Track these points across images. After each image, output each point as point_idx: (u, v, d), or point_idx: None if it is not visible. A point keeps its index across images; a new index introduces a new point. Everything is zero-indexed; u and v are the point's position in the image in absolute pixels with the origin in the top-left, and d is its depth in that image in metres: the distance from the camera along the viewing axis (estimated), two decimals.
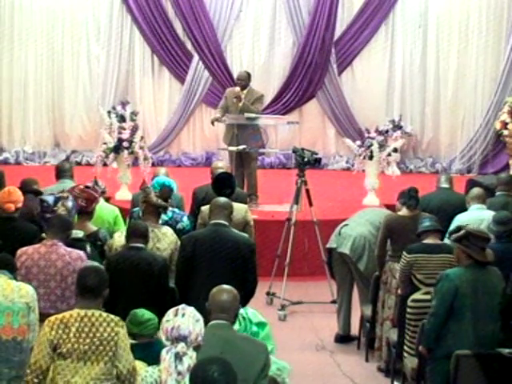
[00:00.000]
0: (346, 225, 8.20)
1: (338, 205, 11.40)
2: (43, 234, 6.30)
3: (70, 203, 6.79)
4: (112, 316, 4.70)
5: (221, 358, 3.58)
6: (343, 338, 8.21)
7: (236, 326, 4.93)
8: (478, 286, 5.88)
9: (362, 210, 8.72)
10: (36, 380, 4.61)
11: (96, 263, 5.98)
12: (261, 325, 5.23)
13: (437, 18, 14.17)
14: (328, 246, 8.25)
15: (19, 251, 5.95)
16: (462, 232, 6.01)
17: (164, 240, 6.70)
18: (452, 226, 7.58)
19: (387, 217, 7.71)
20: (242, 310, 5.18)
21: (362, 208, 10.78)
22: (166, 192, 7.33)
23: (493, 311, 5.89)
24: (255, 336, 5.15)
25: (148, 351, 4.95)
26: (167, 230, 6.82)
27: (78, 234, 6.34)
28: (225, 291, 4.63)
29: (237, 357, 4.19)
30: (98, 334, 4.59)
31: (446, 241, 7.20)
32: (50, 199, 6.90)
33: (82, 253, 6.01)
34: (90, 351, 4.59)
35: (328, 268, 8.53)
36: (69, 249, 5.98)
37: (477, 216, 7.78)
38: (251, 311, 5.26)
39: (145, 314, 5.46)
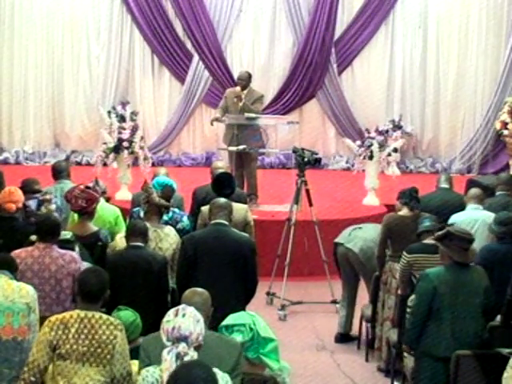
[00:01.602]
0: (359, 228, 8.19)
1: (338, 205, 11.41)
2: (32, 237, 6.29)
3: (53, 206, 6.80)
4: (112, 319, 4.70)
5: (201, 361, 3.59)
6: (343, 337, 8.21)
7: (241, 337, 4.94)
8: (457, 286, 5.86)
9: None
10: (33, 378, 4.61)
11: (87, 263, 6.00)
12: (268, 340, 5.23)
13: (437, 18, 14.17)
14: (335, 240, 8.24)
15: (12, 254, 5.90)
16: (443, 231, 6.02)
17: (166, 240, 6.71)
18: None
19: (387, 217, 7.71)
20: (249, 320, 5.18)
21: (362, 208, 10.84)
22: (168, 191, 7.34)
23: (474, 311, 5.89)
24: (261, 346, 5.16)
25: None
26: (170, 230, 6.84)
27: (65, 235, 6.30)
28: (197, 293, 4.73)
29: (206, 355, 4.21)
30: (96, 337, 4.60)
31: None
32: (33, 203, 6.93)
33: (74, 254, 6.01)
34: (89, 353, 4.60)
35: (335, 263, 8.47)
36: (62, 251, 5.97)
37: (471, 216, 7.79)
38: (263, 325, 5.25)
39: (126, 317, 5.44)
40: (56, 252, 5.93)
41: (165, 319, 4.07)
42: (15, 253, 5.94)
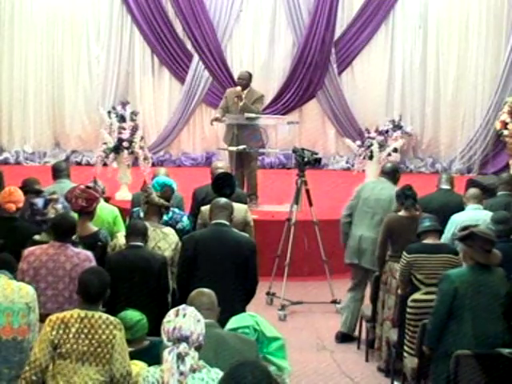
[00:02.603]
0: (359, 237, 8.13)
1: (338, 205, 11.38)
2: (36, 237, 6.28)
3: (59, 205, 6.79)
4: (112, 318, 4.70)
5: (255, 361, 3.52)
6: (345, 337, 8.20)
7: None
8: (479, 287, 5.86)
9: (363, 197, 8.27)
10: (34, 377, 4.62)
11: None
12: (272, 339, 5.24)
13: (437, 18, 14.17)
14: (349, 261, 8.26)
15: (26, 251, 5.95)
16: (466, 232, 6.02)
17: (165, 240, 6.71)
18: (448, 226, 7.60)
19: (388, 217, 7.70)
20: (251, 321, 5.18)
21: None
22: (167, 191, 7.35)
23: (494, 312, 5.88)
24: (265, 346, 5.17)
25: (147, 357, 4.95)
26: (169, 230, 6.84)
27: None
28: (205, 293, 4.76)
29: (230, 354, 4.29)
30: (96, 336, 4.61)
31: (443, 241, 7.22)
32: (40, 202, 6.92)
33: (89, 253, 6.02)
34: (89, 353, 4.60)
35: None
36: (77, 249, 5.99)
37: (472, 216, 7.76)
38: (266, 324, 5.26)
39: (132, 316, 5.47)
40: (71, 251, 5.94)
41: (165, 320, 4.07)
42: (29, 250, 5.97)
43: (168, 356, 3.93)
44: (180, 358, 3.92)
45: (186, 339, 3.95)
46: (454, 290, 5.84)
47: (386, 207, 8.02)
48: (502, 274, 6.02)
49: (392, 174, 8.27)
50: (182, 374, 3.90)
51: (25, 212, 6.94)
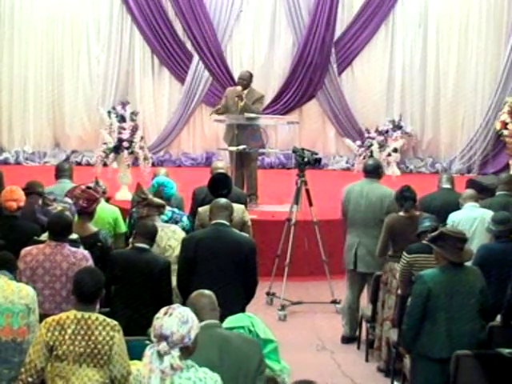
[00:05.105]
0: (356, 248, 8.12)
1: (337, 205, 11.36)
2: (44, 235, 6.29)
3: (67, 205, 6.77)
4: (108, 320, 4.69)
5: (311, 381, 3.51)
6: (350, 339, 8.20)
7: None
8: (452, 287, 5.84)
9: (353, 203, 8.21)
10: (30, 379, 4.62)
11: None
12: (267, 341, 5.25)
13: (437, 18, 14.18)
14: (348, 267, 8.24)
15: (23, 251, 5.94)
16: (436, 232, 6.01)
17: (174, 238, 6.73)
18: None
19: (389, 218, 7.70)
20: (247, 322, 5.19)
21: None
22: (161, 191, 7.35)
23: (470, 311, 5.87)
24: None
25: None
26: (175, 226, 6.91)
27: (71, 235, 6.31)
28: (206, 294, 4.72)
29: (235, 355, 4.30)
30: (93, 338, 4.60)
31: None
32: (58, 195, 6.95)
33: (86, 252, 6.00)
34: (86, 354, 4.59)
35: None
36: (73, 249, 5.98)
37: (469, 214, 7.79)
38: (262, 326, 5.26)
39: None
40: (67, 250, 5.93)
41: (156, 315, 4.05)
42: (26, 250, 5.96)
43: (148, 351, 3.94)
44: (159, 355, 3.91)
45: (165, 338, 3.93)
46: (428, 291, 5.83)
47: (377, 208, 8.01)
48: (476, 271, 6.02)
49: (376, 171, 8.24)
50: (163, 372, 3.89)
51: (34, 204, 6.95)
